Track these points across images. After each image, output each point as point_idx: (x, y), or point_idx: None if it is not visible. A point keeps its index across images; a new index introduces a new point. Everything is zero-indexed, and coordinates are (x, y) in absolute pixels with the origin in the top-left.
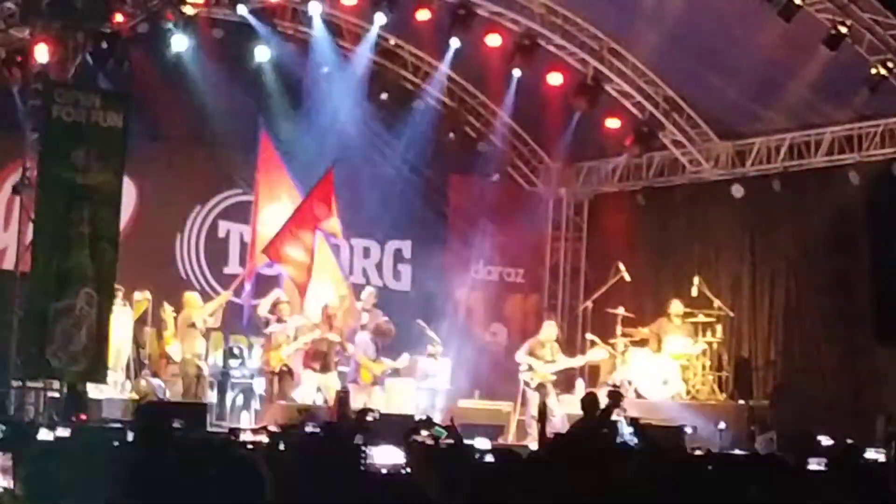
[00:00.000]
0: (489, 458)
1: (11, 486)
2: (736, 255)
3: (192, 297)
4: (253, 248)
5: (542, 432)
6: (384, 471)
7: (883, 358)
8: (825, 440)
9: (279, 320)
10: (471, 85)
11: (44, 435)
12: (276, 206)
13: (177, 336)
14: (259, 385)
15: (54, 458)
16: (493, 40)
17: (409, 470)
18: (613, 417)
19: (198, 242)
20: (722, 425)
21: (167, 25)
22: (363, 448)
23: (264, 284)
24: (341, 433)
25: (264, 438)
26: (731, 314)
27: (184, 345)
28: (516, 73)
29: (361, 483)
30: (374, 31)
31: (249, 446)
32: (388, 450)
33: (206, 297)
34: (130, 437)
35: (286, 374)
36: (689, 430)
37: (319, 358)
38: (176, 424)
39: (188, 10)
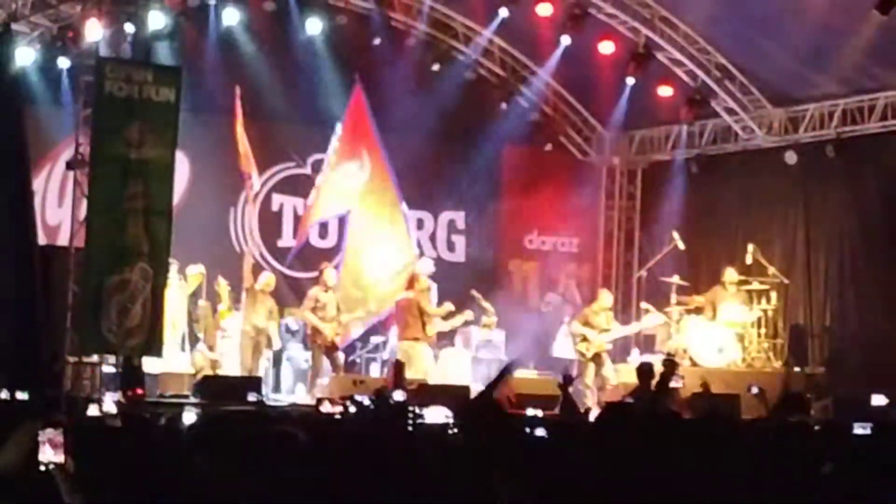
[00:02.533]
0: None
1: (63, 461)
2: (790, 222)
3: (270, 279)
4: (306, 214)
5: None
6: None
7: None
8: (878, 399)
9: (326, 290)
10: (523, 55)
11: (93, 410)
12: (354, 164)
13: (231, 310)
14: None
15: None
16: (544, 9)
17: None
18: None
19: (251, 216)
20: (755, 389)
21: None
22: (412, 409)
23: (314, 258)
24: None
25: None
26: (786, 281)
27: (246, 316)
28: (566, 41)
29: (409, 444)
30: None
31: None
32: (436, 409)
33: (260, 271)
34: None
35: (332, 347)
36: (755, 390)
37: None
38: (251, 398)
39: None
